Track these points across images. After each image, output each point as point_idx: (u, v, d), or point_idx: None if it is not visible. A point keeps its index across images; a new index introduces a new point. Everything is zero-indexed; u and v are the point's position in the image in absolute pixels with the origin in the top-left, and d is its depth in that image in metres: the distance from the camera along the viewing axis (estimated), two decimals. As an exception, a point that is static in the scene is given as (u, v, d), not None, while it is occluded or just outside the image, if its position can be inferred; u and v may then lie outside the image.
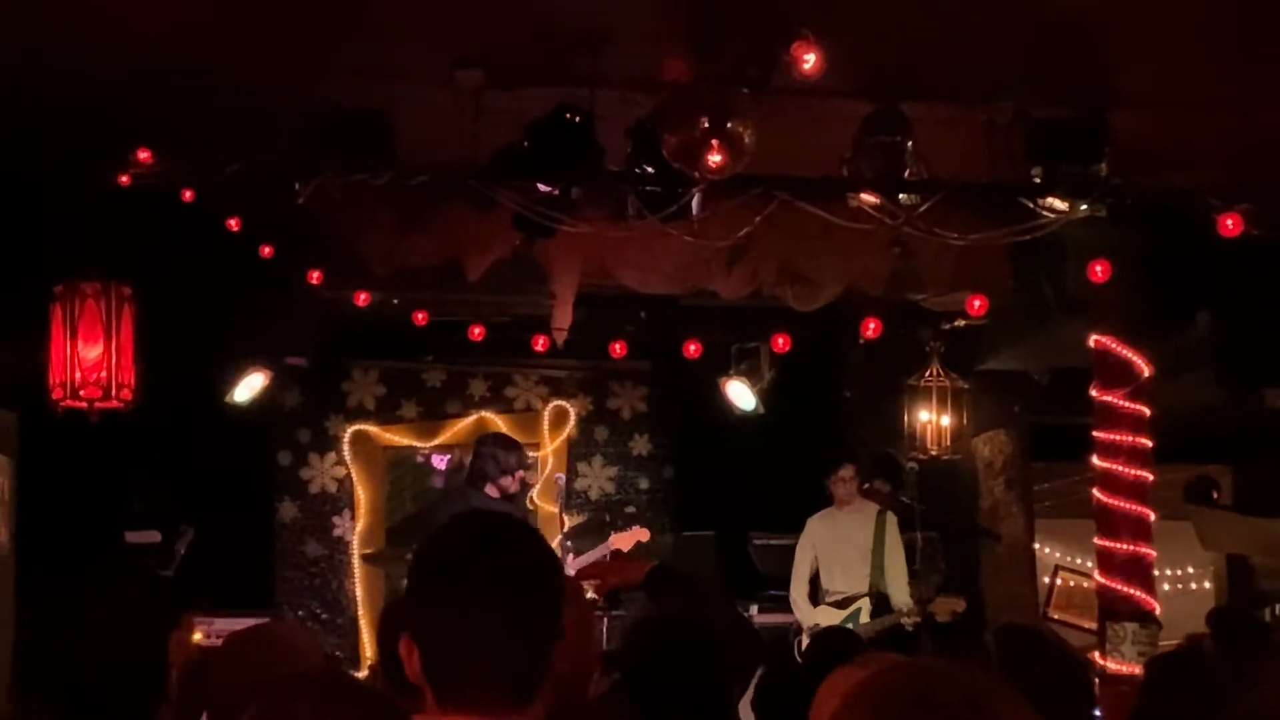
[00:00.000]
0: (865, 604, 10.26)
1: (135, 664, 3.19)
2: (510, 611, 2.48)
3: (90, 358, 8.09)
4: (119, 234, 8.17)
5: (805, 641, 10.25)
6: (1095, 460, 9.49)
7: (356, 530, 12.93)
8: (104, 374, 8.10)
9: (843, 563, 10.42)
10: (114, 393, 8.13)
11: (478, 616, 2.47)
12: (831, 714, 1.76)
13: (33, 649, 3.27)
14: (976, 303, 9.01)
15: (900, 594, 10.24)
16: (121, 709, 3.13)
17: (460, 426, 13.10)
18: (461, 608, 2.48)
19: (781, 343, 9.87)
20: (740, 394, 11.69)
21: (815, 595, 10.52)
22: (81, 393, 8.10)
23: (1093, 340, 9.51)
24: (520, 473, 9.95)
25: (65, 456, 9.66)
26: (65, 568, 9.47)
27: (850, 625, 9.98)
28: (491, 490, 9.73)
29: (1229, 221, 7.90)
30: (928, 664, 1.85)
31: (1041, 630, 5.02)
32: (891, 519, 10.44)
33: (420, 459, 13.25)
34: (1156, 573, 9.63)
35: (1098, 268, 8.26)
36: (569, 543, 11.60)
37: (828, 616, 10.17)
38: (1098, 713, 6.04)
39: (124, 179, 7.73)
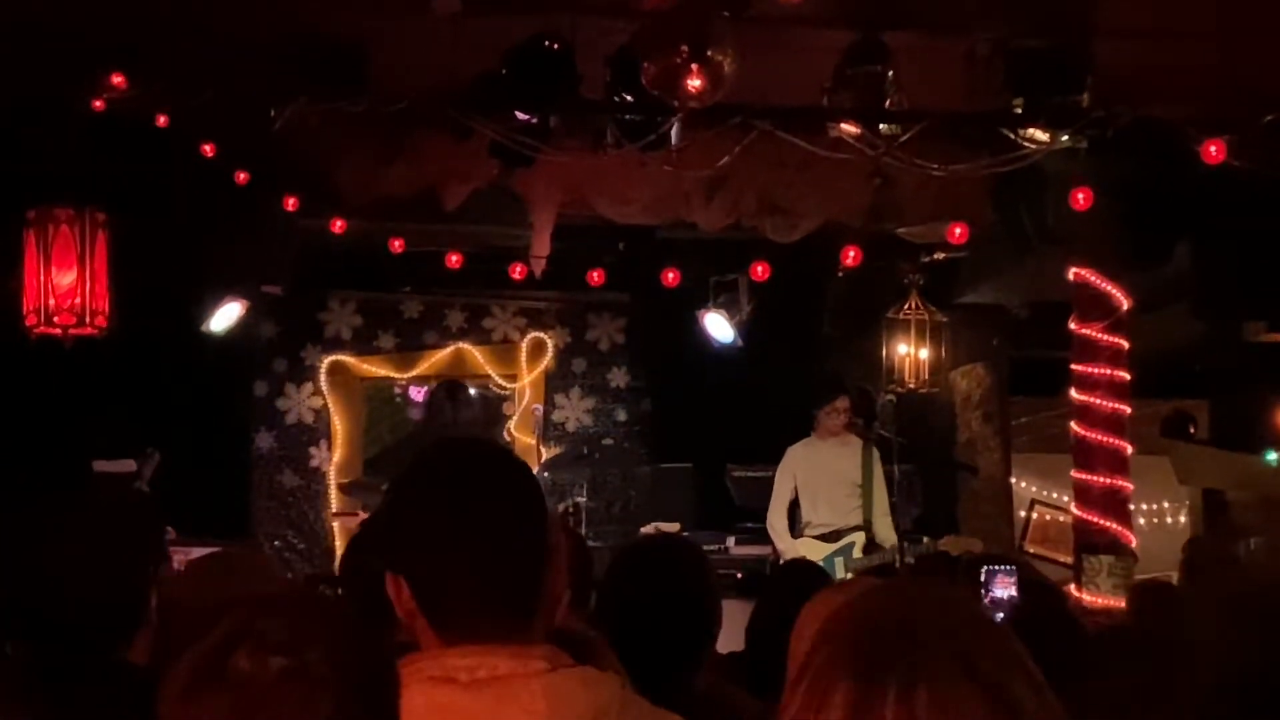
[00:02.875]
0: (859, 538, 10.19)
1: (112, 590, 3.16)
2: (500, 535, 2.44)
3: (64, 284, 8.04)
4: (93, 160, 8.09)
5: None
6: (1073, 393, 9.50)
7: (333, 461, 12.91)
8: (78, 300, 8.05)
9: (829, 495, 10.29)
10: (88, 319, 8.08)
11: (468, 544, 2.43)
12: (811, 639, 1.74)
13: (7, 577, 3.22)
14: (957, 230, 8.95)
15: (885, 529, 10.18)
16: (97, 635, 3.10)
17: (438, 358, 13.07)
18: (450, 537, 2.43)
19: (761, 270, 9.80)
20: (718, 326, 11.66)
21: (794, 526, 10.49)
22: (55, 319, 8.04)
23: (1072, 273, 9.50)
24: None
25: (38, 384, 9.62)
26: (34, 496, 9.43)
27: (840, 559, 9.96)
28: None
29: (1213, 148, 7.86)
30: (909, 587, 1.83)
31: (1020, 562, 5.03)
32: (876, 453, 10.37)
33: (398, 390, 13.23)
34: (1132, 507, 9.66)
35: (1080, 195, 8.22)
36: (546, 474, 11.61)
37: (813, 549, 10.09)
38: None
39: (98, 104, 7.66)
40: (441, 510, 2.47)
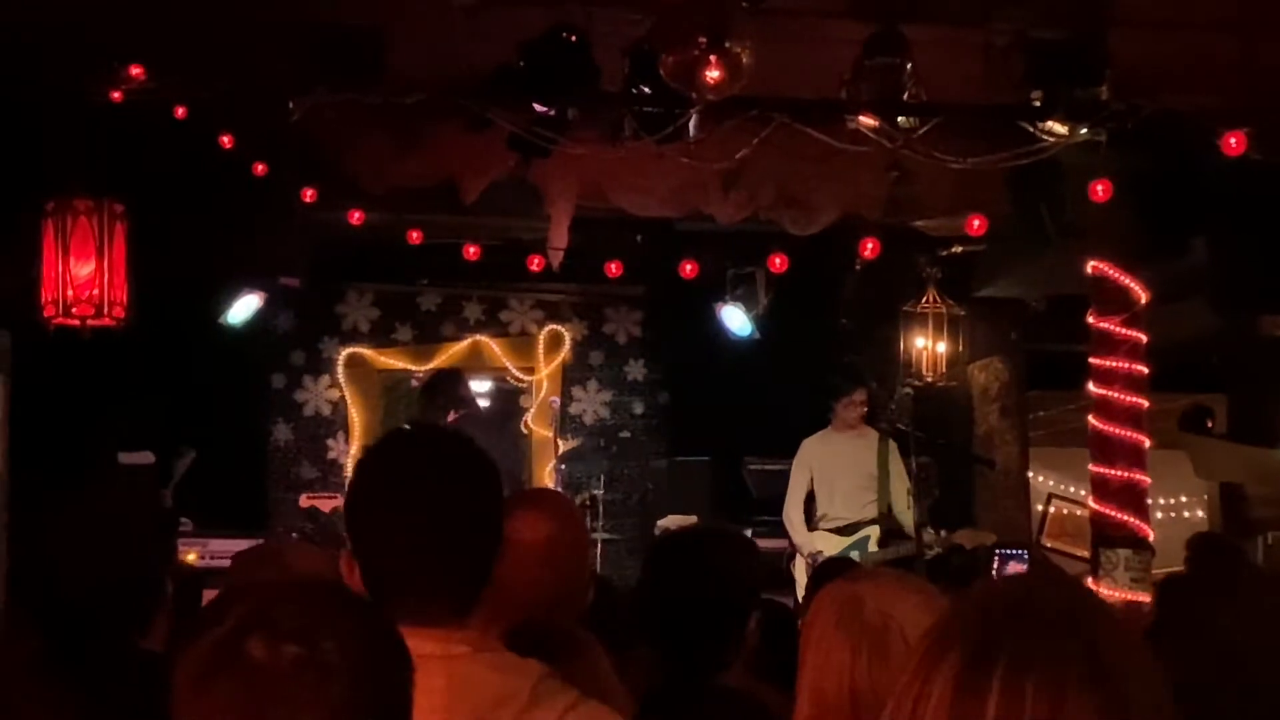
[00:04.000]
0: (874, 531, 10.18)
1: (127, 577, 3.18)
2: (440, 525, 2.50)
3: (82, 275, 8.05)
4: (111, 151, 8.11)
5: (799, 563, 10.22)
6: (1091, 386, 9.47)
7: (350, 453, 12.93)
8: (96, 291, 8.06)
9: (844, 487, 10.29)
10: (106, 310, 8.09)
11: (408, 531, 2.49)
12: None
13: (26, 566, 3.25)
14: (976, 222, 8.93)
15: (909, 522, 10.14)
16: (113, 622, 3.12)
17: (455, 350, 13.08)
18: (393, 523, 2.51)
19: (779, 262, 9.78)
20: (736, 319, 11.66)
21: (809, 518, 10.48)
22: (74, 310, 8.06)
23: (1090, 266, 9.47)
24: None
25: (58, 376, 9.64)
26: (58, 488, 9.47)
27: (856, 553, 9.93)
28: None
29: (1232, 140, 7.82)
30: (1032, 575, 1.81)
31: (1038, 556, 5.02)
32: (894, 446, 10.34)
33: (415, 383, 13.23)
34: (1150, 501, 9.63)
35: (1099, 187, 8.19)
36: (563, 466, 11.63)
37: (829, 542, 10.10)
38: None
39: (116, 95, 7.66)
40: (386, 496, 2.54)
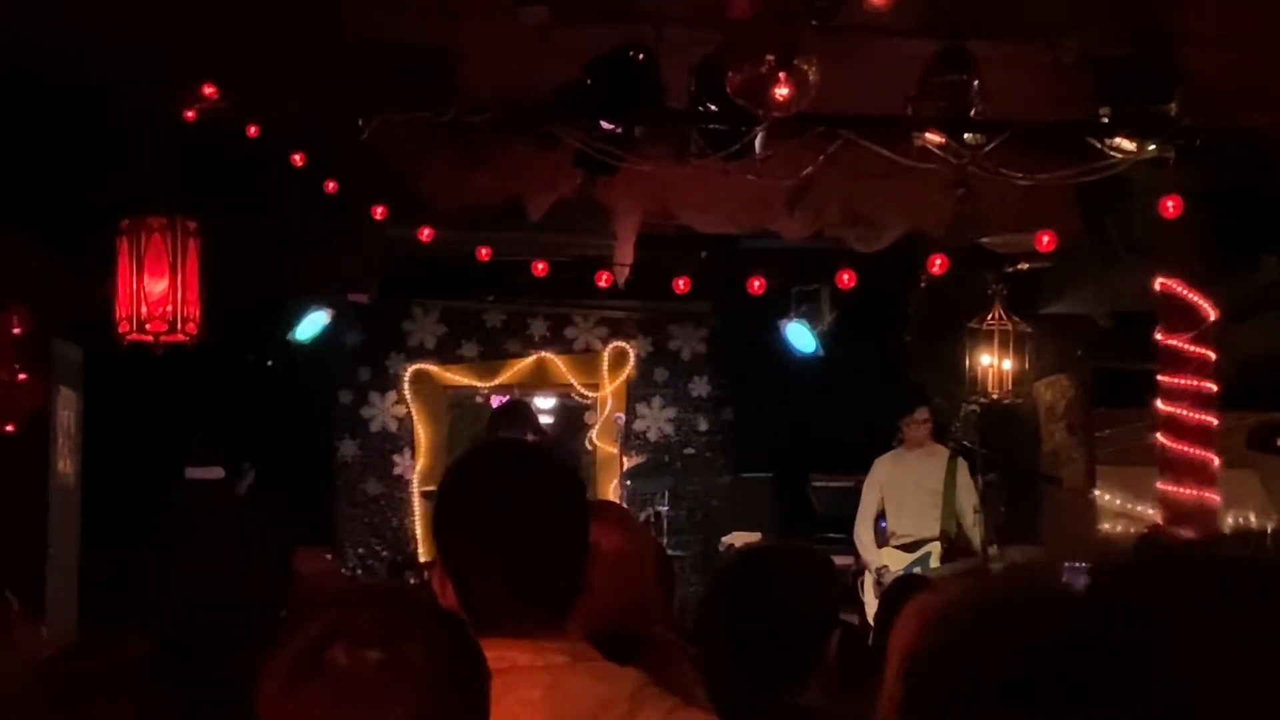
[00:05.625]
0: (935, 548, 10.16)
1: (249, 601, 3.20)
2: (534, 535, 2.52)
3: (156, 292, 8.14)
4: (185, 169, 8.21)
5: (867, 581, 10.21)
6: (1159, 404, 9.42)
7: (417, 469, 13.00)
8: (169, 308, 8.15)
9: (911, 505, 10.30)
10: (179, 326, 8.18)
11: (504, 545, 2.50)
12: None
13: (136, 582, 3.28)
14: (1045, 239, 8.89)
15: (976, 540, 10.13)
16: (227, 642, 3.14)
17: (520, 367, 13.14)
18: (486, 535, 2.52)
19: (847, 279, 9.76)
20: (800, 336, 11.67)
21: (879, 536, 10.47)
22: (147, 326, 8.15)
23: (1158, 284, 9.43)
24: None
25: (129, 391, 9.76)
26: (128, 502, 9.58)
27: (919, 569, 9.93)
28: None
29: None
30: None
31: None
32: (962, 463, 10.32)
33: (480, 399, 13.30)
34: (1219, 519, 9.55)
35: (1169, 203, 8.15)
36: (628, 482, 11.64)
37: (895, 559, 10.11)
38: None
39: (190, 114, 7.76)
40: (478, 510, 2.56)
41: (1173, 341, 9.37)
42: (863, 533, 10.41)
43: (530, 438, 10.25)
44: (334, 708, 1.91)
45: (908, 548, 10.20)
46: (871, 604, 9.67)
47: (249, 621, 3.17)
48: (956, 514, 10.24)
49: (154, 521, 3.35)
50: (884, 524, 10.48)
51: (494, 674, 2.38)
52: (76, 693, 2.99)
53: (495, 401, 13.22)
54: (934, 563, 10.09)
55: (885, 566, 9.96)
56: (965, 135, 7.92)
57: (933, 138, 7.92)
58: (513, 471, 2.60)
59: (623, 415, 12.59)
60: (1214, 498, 9.30)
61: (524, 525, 2.51)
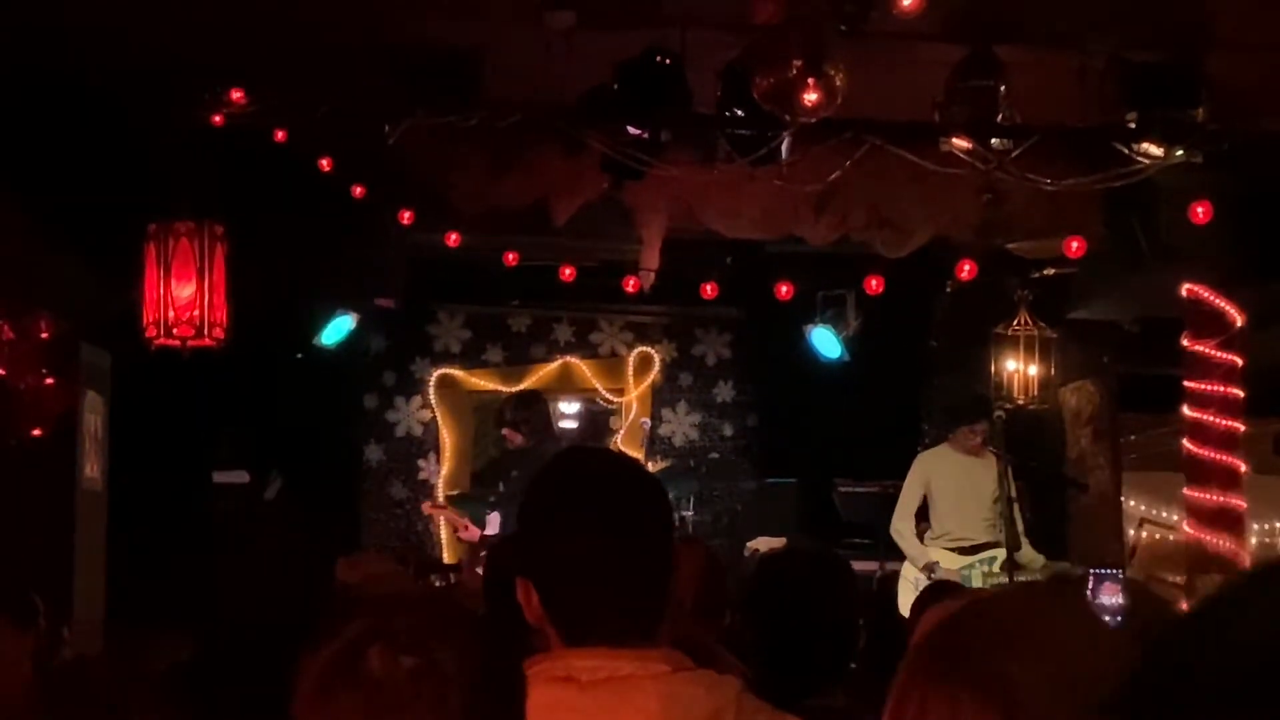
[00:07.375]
0: (1000, 554, 10.01)
1: (298, 598, 3.21)
2: (626, 543, 2.49)
3: (183, 296, 8.16)
4: (212, 173, 8.23)
5: (904, 584, 10.05)
6: (1186, 410, 9.40)
7: (442, 474, 13.01)
8: (196, 313, 8.17)
9: (964, 507, 10.20)
10: (206, 331, 8.20)
11: (596, 551, 2.46)
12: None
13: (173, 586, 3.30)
14: (1074, 244, 8.87)
15: (1030, 552, 10.04)
16: (268, 651, 3.16)
17: (545, 371, 13.14)
18: (579, 544, 2.48)
19: (875, 284, 9.73)
20: (825, 341, 11.65)
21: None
22: (174, 331, 8.17)
23: (1184, 289, 9.40)
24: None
25: (156, 396, 9.78)
26: (155, 506, 9.62)
27: (977, 569, 9.87)
28: None
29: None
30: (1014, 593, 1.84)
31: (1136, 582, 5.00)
32: (1011, 473, 10.23)
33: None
34: (1245, 526, 9.53)
35: (1199, 209, 8.13)
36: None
37: (947, 558, 10.00)
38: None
39: (217, 119, 7.79)
40: (569, 518, 2.51)
41: (1199, 347, 9.34)
42: (902, 526, 10.26)
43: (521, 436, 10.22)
44: (367, 713, 1.92)
45: (965, 550, 10.10)
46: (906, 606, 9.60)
47: (289, 627, 3.18)
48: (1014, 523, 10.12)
49: (192, 527, 3.38)
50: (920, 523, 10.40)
51: (597, 683, 2.39)
52: (112, 695, 3.01)
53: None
54: (995, 568, 9.98)
55: (935, 563, 9.88)
56: (992, 140, 7.90)
57: (960, 143, 7.91)
58: (600, 480, 2.57)
59: (648, 420, 12.59)
60: (1240, 504, 9.27)
61: (618, 534, 2.48)
